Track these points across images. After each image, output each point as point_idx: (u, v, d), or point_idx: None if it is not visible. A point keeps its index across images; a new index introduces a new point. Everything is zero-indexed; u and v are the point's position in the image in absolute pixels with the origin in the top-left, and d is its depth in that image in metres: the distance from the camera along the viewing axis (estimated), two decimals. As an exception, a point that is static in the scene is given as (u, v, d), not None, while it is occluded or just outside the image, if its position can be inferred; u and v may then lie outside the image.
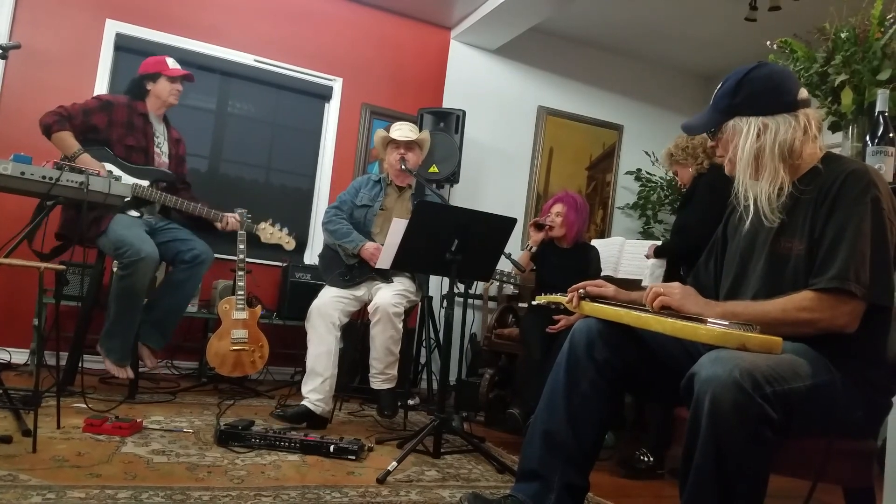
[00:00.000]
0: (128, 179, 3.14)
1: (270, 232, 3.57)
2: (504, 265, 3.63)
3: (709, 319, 1.38)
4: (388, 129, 3.39)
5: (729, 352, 1.29)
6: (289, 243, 3.60)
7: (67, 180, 2.52)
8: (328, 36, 4.75)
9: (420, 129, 3.73)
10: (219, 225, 3.45)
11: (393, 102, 4.91)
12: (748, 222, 1.62)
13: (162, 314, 3.32)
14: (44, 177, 2.49)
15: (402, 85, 4.96)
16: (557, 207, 3.48)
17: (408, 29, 4.99)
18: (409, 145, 3.32)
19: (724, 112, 1.58)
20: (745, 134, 1.53)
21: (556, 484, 1.60)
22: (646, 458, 2.82)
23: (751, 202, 1.54)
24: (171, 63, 3.44)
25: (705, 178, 3.02)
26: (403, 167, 3.28)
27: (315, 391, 2.92)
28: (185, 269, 3.31)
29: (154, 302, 3.32)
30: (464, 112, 4.57)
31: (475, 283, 4.33)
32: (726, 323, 1.34)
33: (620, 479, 2.71)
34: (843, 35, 2.11)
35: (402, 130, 3.33)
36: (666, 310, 1.51)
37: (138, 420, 2.56)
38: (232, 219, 3.46)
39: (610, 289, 1.75)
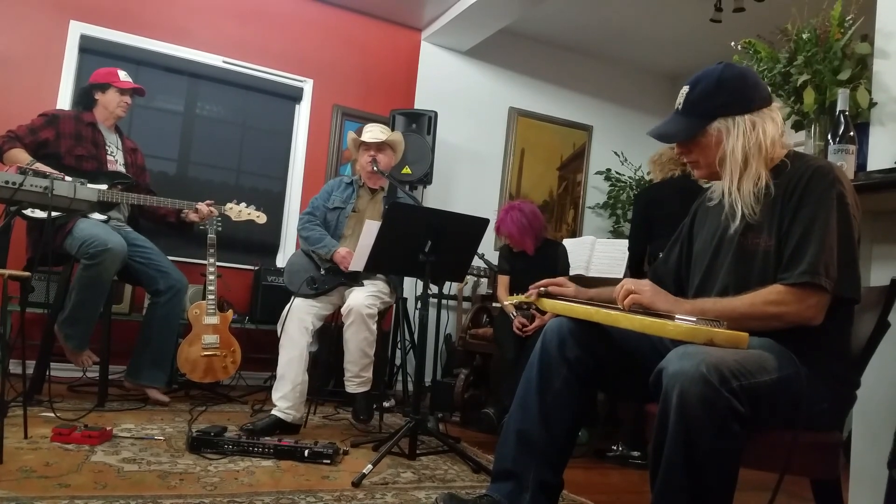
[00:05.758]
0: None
1: (239, 210, 3.56)
2: (478, 264, 3.65)
3: (677, 316, 1.40)
4: (359, 132, 3.38)
5: (696, 347, 1.30)
6: (259, 217, 3.61)
7: (31, 185, 2.46)
8: (298, 37, 4.72)
9: (392, 130, 3.71)
10: (194, 216, 3.42)
11: (364, 104, 4.89)
12: (717, 220, 1.64)
13: (157, 353, 3.31)
14: (7, 182, 2.43)
15: (373, 86, 4.95)
16: (503, 233, 3.51)
17: (379, 30, 4.98)
18: (380, 147, 3.30)
19: (706, 115, 1.55)
20: (736, 134, 1.51)
21: (531, 483, 1.61)
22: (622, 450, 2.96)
23: (738, 205, 1.53)
24: (123, 75, 3.42)
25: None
26: (375, 169, 3.25)
27: (285, 398, 2.89)
28: (165, 301, 3.29)
29: (146, 342, 3.29)
30: (435, 113, 4.57)
31: (449, 283, 4.33)
32: (694, 319, 1.36)
33: (594, 476, 2.73)
34: (804, 36, 2.15)
35: (373, 132, 3.31)
36: (636, 307, 1.53)
37: (108, 428, 2.51)
38: (203, 206, 3.43)
39: (570, 288, 1.77)
